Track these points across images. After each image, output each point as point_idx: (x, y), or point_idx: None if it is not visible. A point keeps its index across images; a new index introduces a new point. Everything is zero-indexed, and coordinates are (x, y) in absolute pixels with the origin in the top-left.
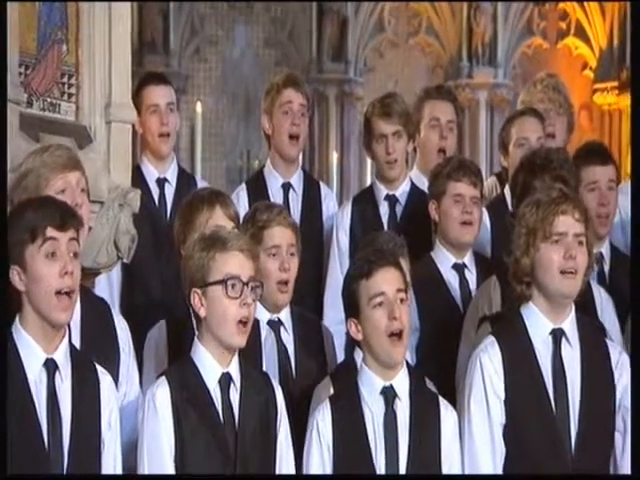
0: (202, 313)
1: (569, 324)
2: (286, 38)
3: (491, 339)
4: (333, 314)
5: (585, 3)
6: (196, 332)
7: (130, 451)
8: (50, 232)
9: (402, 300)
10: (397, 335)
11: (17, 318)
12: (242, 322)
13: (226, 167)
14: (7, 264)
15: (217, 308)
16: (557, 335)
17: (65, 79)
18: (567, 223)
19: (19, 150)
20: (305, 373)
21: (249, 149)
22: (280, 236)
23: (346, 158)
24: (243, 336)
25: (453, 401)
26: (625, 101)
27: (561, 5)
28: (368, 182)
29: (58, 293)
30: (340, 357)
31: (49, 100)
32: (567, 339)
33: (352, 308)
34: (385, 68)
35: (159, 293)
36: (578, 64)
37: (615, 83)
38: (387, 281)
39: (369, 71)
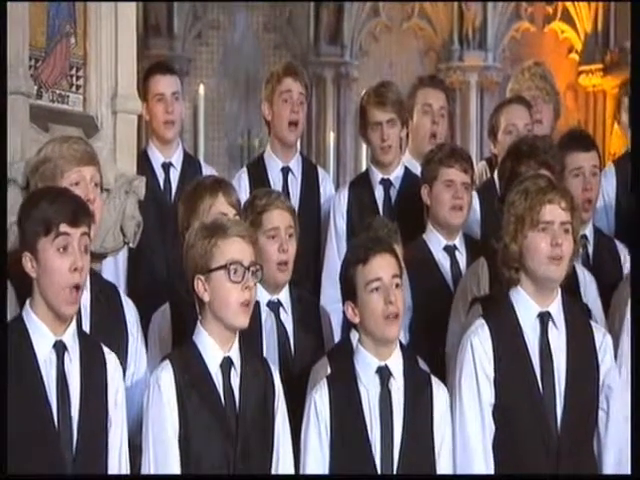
0: (206, 298)
1: (556, 307)
2: (285, 23)
3: (481, 322)
4: (330, 293)
5: None
6: (199, 317)
7: (138, 428)
8: (63, 228)
9: (397, 285)
10: (393, 317)
11: (28, 301)
12: (244, 304)
13: (228, 146)
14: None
15: (220, 293)
16: (544, 318)
17: (73, 71)
18: (554, 212)
19: (29, 140)
20: (303, 352)
21: (250, 128)
22: (279, 219)
23: (342, 137)
24: (246, 316)
25: (442, 374)
26: (609, 83)
27: None
28: (364, 160)
29: (67, 287)
30: (337, 335)
31: (58, 92)
32: (553, 322)
33: (349, 292)
34: (380, 51)
35: (164, 274)
36: (564, 47)
37: (599, 65)
38: (383, 267)
39: (364, 54)
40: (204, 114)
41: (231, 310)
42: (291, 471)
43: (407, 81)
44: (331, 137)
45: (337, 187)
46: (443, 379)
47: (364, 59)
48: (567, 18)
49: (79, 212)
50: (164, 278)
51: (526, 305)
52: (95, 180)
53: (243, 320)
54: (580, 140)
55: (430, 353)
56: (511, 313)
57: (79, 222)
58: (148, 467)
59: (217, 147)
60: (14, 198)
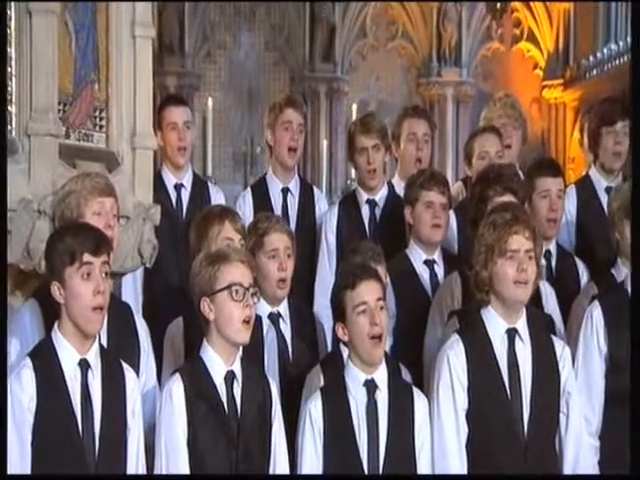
0: (211, 317)
1: (521, 324)
2: (283, 42)
3: (456, 337)
4: (322, 301)
5: (535, 13)
6: (205, 335)
7: (148, 432)
8: (86, 257)
9: (382, 308)
10: (377, 338)
11: (56, 324)
12: (245, 321)
13: (233, 152)
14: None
15: (224, 311)
16: (511, 334)
17: (97, 113)
18: (519, 241)
19: (59, 175)
20: (300, 358)
21: (252, 137)
22: (278, 241)
23: (334, 145)
24: (247, 333)
25: (420, 373)
26: (568, 96)
27: (515, 14)
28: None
29: (92, 308)
30: (328, 337)
31: (83, 131)
32: (520, 337)
33: (339, 314)
34: (367, 68)
35: (177, 286)
36: (530, 64)
37: (560, 80)
38: (369, 292)
39: (354, 70)
40: (212, 124)
41: (234, 327)
42: (286, 469)
43: (391, 94)
44: (324, 145)
45: (330, 187)
46: (420, 374)
47: (353, 75)
48: (532, 39)
49: (100, 243)
50: (177, 290)
51: (495, 323)
52: (114, 211)
53: (244, 337)
54: (549, 167)
55: (410, 351)
56: (482, 329)
57: (100, 252)
58: (160, 468)
59: (223, 153)
60: (44, 229)
